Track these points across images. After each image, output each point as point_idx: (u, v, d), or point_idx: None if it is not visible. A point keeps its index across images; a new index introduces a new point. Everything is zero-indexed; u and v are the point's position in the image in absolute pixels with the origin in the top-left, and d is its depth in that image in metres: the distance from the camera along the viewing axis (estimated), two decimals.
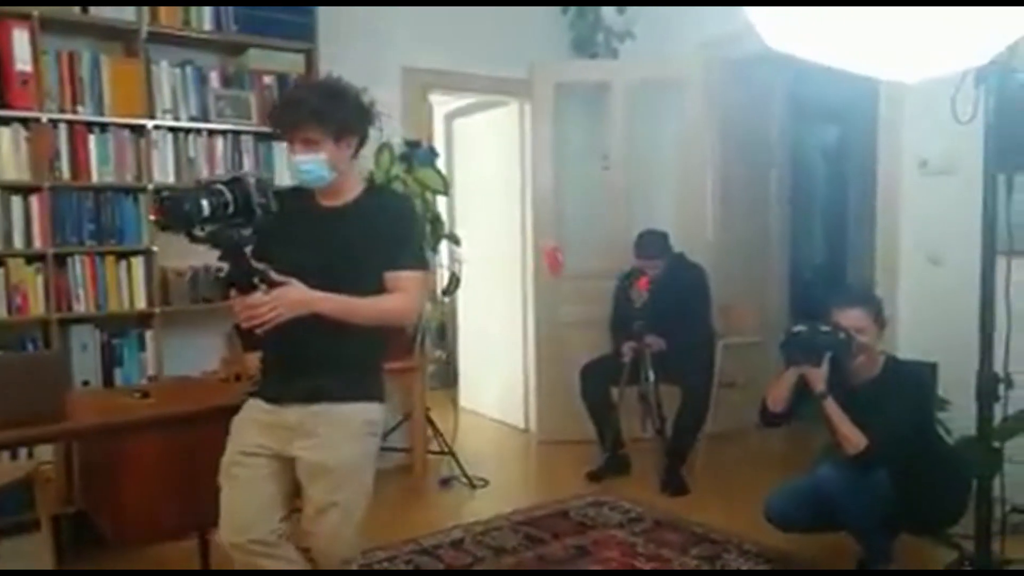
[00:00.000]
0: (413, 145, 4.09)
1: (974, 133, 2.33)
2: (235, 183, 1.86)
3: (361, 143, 2.11)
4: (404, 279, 2.03)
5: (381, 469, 4.00)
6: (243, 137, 3.62)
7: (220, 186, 1.84)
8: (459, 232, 4.45)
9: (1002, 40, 1.61)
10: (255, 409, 2.07)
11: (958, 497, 2.70)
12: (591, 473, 4.01)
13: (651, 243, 4.08)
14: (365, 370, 2.11)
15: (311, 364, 2.00)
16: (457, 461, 4.05)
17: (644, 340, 3.90)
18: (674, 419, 3.94)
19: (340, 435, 2.01)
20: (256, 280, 1.84)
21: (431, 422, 4.08)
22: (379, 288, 2.02)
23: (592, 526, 3.39)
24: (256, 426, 2.05)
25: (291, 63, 3.78)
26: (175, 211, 1.78)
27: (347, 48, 3.99)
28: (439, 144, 5.65)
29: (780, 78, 5.02)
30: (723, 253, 4.62)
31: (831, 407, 2.69)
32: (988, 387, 2.21)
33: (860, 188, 5.58)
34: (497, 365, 5.25)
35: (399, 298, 2.03)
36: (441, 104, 5.66)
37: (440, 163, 4.33)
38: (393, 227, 2.06)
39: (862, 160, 5.24)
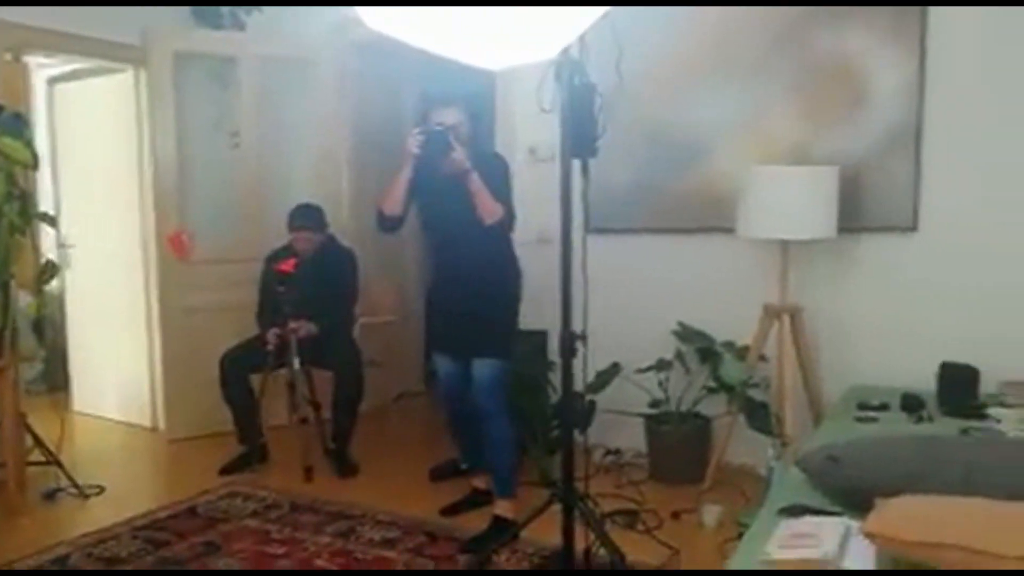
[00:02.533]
0: None
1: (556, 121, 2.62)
2: None
3: None
4: None
5: None
6: None
7: None
8: (66, 213, 3.93)
9: (569, 33, 1.82)
10: None
11: None
12: (225, 467, 3.81)
13: (307, 215, 3.94)
14: None
15: None
16: (64, 470, 3.56)
17: (289, 325, 3.77)
18: (332, 402, 3.87)
19: None
20: None
21: (29, 429, 3.54)
22: None
23: (224, 519, 3.22)
24: None
25: None
26: None
27: None
28: (40, 112, 4.95)
29: (413, 61, 5.18)
30: (360, 235, 4.65)
31: (476, 182, 2.90)
32: (567, 344, 2.50)
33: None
34: (117, 361, 4.73)
35: None
36: (42, 67, 4.94)
37: (40, 134, 3.77)
38: None
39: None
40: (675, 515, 3.17)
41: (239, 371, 3.86)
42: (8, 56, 3.94)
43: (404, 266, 5.35)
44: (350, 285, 4.09)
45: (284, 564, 2.81)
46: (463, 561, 2.84)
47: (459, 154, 2.88)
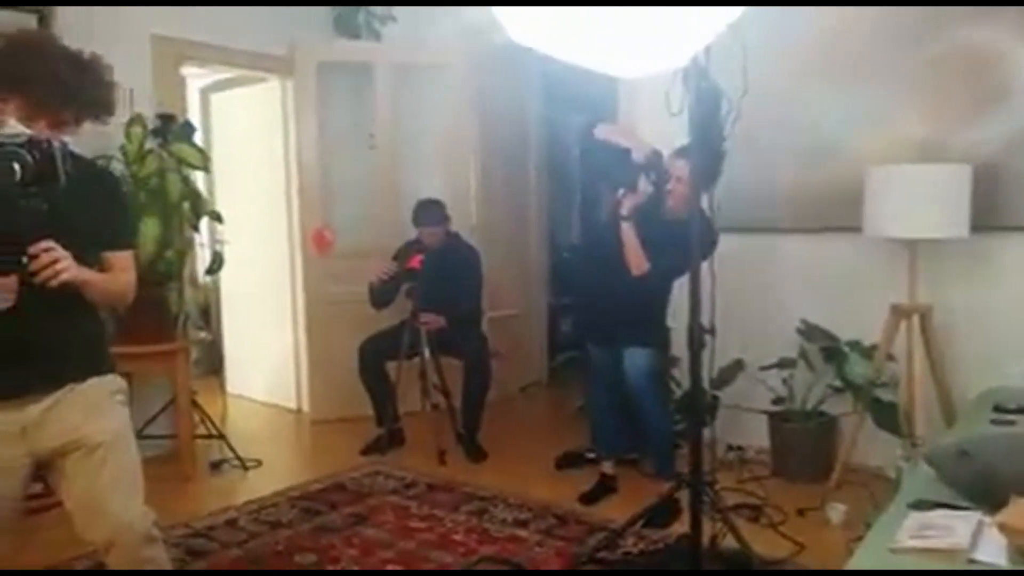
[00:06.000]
0: (166, 118, 3.90)
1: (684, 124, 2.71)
2: (33, 145, 1.63)
3: None
4: (123, 259, 1.99)
5: (147, 457, 3.87)
6: None
7: (14, 147, 1.61)
8: (220, 211, 4.31)
9: (699, 41, 1.94)
10: None
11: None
12: (365, 448, 4.10)
13: (430, 211, 4.17)
14: (101, 344, 2.04)
15: (56, 349, 1.87)
16: (228, 443, 3.96)
17: (420, 319, 4.02)
18: (463, 391, 4.09)
19: (96, 406, 1.92)
20: (24, 258, 1.64)
21: (197, 405, 3.94)
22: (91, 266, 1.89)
23: (368, 494, 3.50)
24: None
25: (20, 23, 3.44)
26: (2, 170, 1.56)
27: (88, 9, 3.72)
28: (195, 119, 5.41)
29: (538, 66, 5.37)
30: (486, 232, 4.88)
31: (627, 231, 3.13)
32: (696, 337, 2.60)
33: None
34: (265, 347, 5.16)
35: (127, 277, 1.98)
36: (197, 77, 5.40)
37: (197, 138, 4.17)
38: (108, 204, 1.98)
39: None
40: (800, 512, 3.22)
41: (376, 359, 4.13)
42: (170, 68, 4.36)
43: (528, 262, 5.55)
44: (475, 280, 4.28)
45: (426, 537, 3.04)
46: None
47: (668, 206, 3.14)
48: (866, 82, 3.49)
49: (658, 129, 3.80)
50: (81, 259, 1.77)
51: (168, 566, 1.99)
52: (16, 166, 1.60)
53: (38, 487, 2.40)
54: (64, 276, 1.69)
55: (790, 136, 3.71)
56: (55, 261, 1.67)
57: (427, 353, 4.02)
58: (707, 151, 2.76)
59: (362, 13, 4.96)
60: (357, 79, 4.95)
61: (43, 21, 3.47)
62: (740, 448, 3.85)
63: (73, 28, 3.56)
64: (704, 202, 2.82)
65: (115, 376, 2.01)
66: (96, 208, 1.91)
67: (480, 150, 5.00)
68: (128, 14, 3.96)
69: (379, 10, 4.97)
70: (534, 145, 5.62)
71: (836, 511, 3.12)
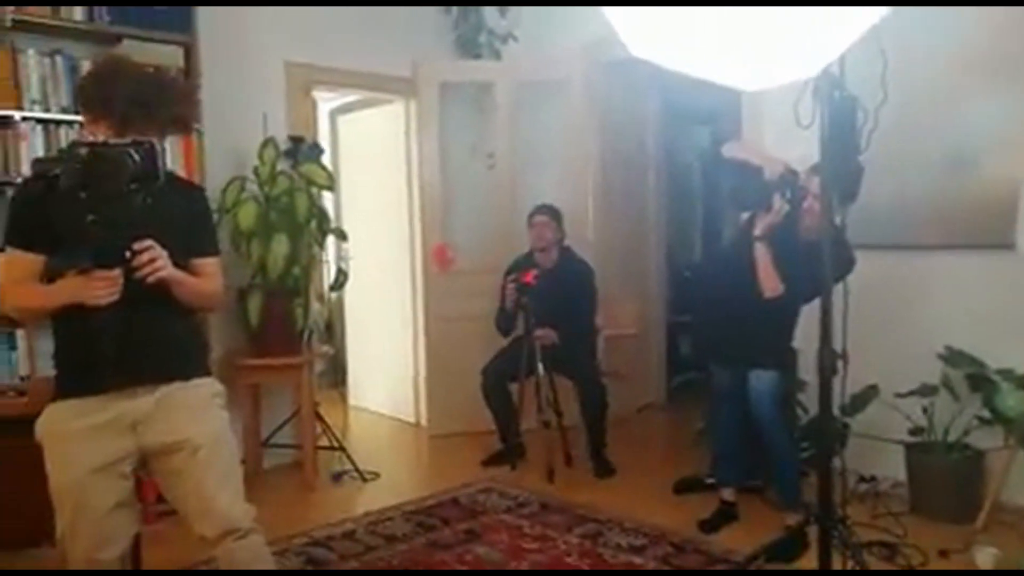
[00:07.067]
0: (297, 140, 4.08)
1: (814, 137, 2.57)
2: (137, 145, 1.76)
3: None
4: (211, 264, 2.08)
5: (272, 466, 4.05)
6: None
7: (122, 146, 1.75)
8: (345, 229, 4.47)
9: (829, 54, 1.82)
10: (79, 412, 1.90)
11: None
12: (486, 460, 4.14)
13: (544, 206, 4.21)
14: (202, 345, 2.17)
15: (158, 343, 1.97)
16: (348, 455, 4.07)
17: (535, 333, 4.01)
18: (581, 410, 4.05)
19: (200, 409, 2.01)
20: (128, 253, 1.77)
21: (320, 417, 4.07)
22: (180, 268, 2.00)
23: (482, 511, 3.50)
24: (97, 432, 1.89)
25: (169, 56, 3.67)
26: (113, 167, 1.70)
27: (227, 40, 3.95)
28: (324, 140, 5.64)
29: (656, 80, 5.28)
30: (604, 249, 4.82)
31: (761, 252, 3.02)
32: (827, 362, 2.44)
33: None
34: (386, 361, 5.28)
35: (214, 282, 2.08)
36: (325, 101, 5.63)
37: (325, 159, 4.34)
38: (196, 212, 2.08)
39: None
40: (942, 553, 2.97)
41: (499, 380, 4.14)
42: (301, 92, 4.56)
43: (646, 281, 5.44)
44: (588, 296, 4.23)
45: (537, 559, 3.00)
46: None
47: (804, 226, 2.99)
48: (1017, 84, 3.21)
49: (786, 142, 3.66)
50: (172, 261, 1.88)
51: (268, 556, 2.05)
52: (129, 160, 1.73)
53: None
54: (162, 273, 1.82)
55: (932, 145, 3.46)
56: (154, 258, 1.80)
57: (541, 369, 3.99)
58: (842, 167, 2.60)
59: (483, 33, 5.03)
60: (477, 98, 5.02)
61: (189, 53, 3.69)
62: (873, 479, 3.61)
63: (215, 58, 3.80)
64: (837, 220, 2.66)
65: (214, 379, 2.11)
66: (185, 215, 2.02)
67: (598, 166, 4.95)
68: (264, 43, 4.17)
69: (500, 29, 5.02)
70: (653, 160, 5.52)
71: (986, 555, 2.85)
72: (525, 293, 4.00)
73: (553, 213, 4.23)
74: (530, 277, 3.98)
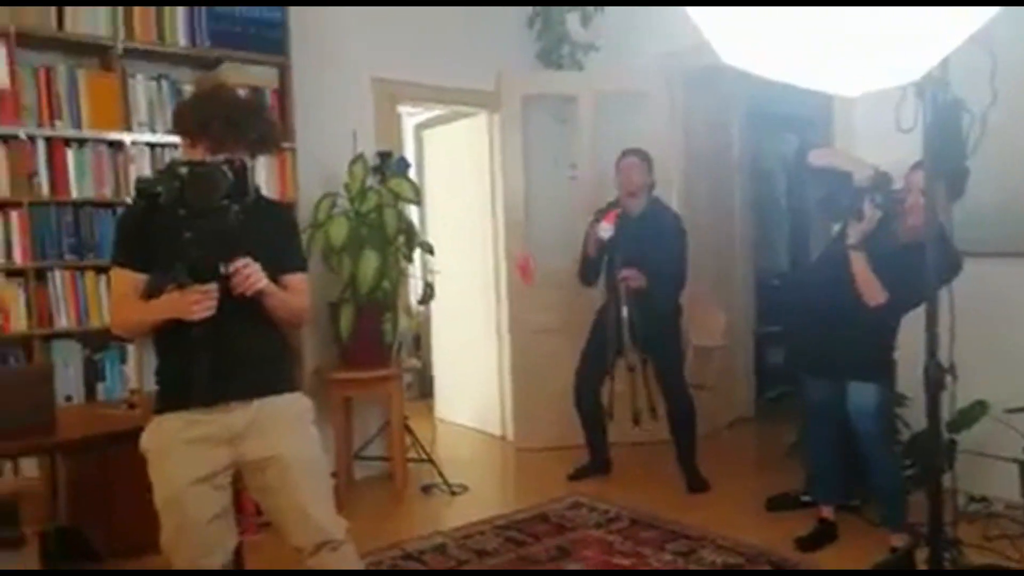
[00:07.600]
0: (385, 156, 4.16)
1: (914, 141, 2.46)
2: (229, 163, 1.86)
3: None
4: (298, 280, 2.12)
5: (363, 477, 4.11)
6: None
7: (216, 164, 1.85)
8: (431, 242, 4.52)
9: (935, 56, 1.74)
10: (179, 426, 1.96)
11: None
12: (572, 474, 4.10)
13: (636, 151, 4.03)
14: (290, 361, 2.23)
15: (252, 357, 2.02)
16: (437, 468, 4.10)
17: (621, 274, 3.82)
18: (669, 423, 3.96)
19: (292, 425, 2.06)
20: (221, 269, 1.84)
21: (410, 430, 4.12)
22: None
23: (571, 527, 3.47)
24: (196, 445, 1.96)
25: (265, 77, 3.82)
26: (210, 183, 1.80)
27: (319, 60, 4.07)
28: (409, 155, 5.73)
29: (740, 88, 5.18)
30: (690, 259, 4.72)
31: (857, 261, 2.88)
32: (934, 377, 2.32)
33: None
34: (472, 374, 5.30)
35: (302, 298, 2.12)
36: (411, 115, 5.72)
37: (411, 173, 4.40)
38: (284, 229, 2.16)
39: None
40: None
41: (590, 386, 4.06)
42: (388, 108, 4.65)
43: (733, 292, 5.32)
44: (678, 244, 3.93)
45: None
46: None
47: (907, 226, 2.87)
48: None
49: (883, 147, 3.53)
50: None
51: (360, 565, 2.11)
52: (224, 176, 1.82)
53: None
54: (260, 285, 1.89)
55: None
56: (251, 272, 1.87)
57: (624, 312, 3.80)
58: (947, 170, 2.49)
59: (566, 45, 5.03)
60: (560, 109, 5.01)
61: (283, 74, 3.82)
62: (984, 499, 3.42)
63: (307, 78, 3.92)
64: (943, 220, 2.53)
65: (302, 394, 2.16)
66: (274, 231, 2.09)
67: (683, 176, 4.88)
68: (352, 61, 4.27)
69: (582, 40, 5.02)
70: (738, 169, 5.41)
71: None
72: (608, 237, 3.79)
73: (642, 155, 4.01)
74: (612, 217, 3.80)
